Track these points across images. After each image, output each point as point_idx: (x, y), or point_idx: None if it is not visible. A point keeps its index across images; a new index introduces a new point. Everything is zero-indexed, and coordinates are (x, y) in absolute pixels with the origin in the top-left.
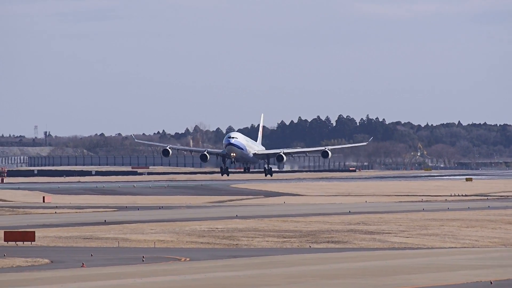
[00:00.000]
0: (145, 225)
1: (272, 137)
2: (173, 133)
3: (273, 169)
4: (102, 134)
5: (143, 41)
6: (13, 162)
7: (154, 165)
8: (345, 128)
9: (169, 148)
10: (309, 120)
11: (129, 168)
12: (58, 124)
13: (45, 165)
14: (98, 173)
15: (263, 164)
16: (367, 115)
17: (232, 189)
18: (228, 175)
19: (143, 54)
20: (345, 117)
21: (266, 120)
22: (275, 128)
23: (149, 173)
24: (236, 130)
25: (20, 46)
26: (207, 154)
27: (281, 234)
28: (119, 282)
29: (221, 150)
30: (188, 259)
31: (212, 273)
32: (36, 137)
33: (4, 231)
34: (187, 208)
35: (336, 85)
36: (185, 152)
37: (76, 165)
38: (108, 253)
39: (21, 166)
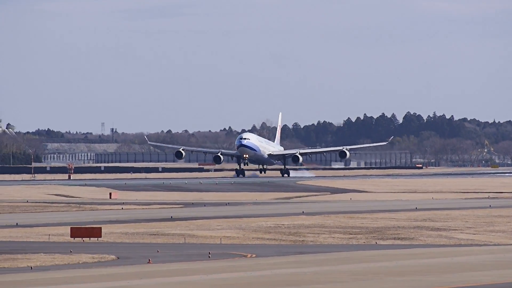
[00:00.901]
0: (212, 221)
1: (338, 134)
2: (239, 130)
3: (335, 166)
4: (169, 131)
5: (210, 38)
6: (80, 158)
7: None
8: (411, 125)
9: (182, 150)
10: (375, 117)
11: (195, 165)
12: (124, 121)
13: (111, 162)
14: (165, 170)
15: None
16: (434, 112)
17: (299, 185)
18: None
19: (210, 51)
20: (412, 114)
21: (333, 116)
22: (341, 125)
23: (215, 170)
24: (302, 127)
25: (87, 43)
26: (221, 156)
27: (347, 230)
28: (185, 278)
29: (235, 151)
30: (254, 255)
31: (278, 269)
32: (102, 133)
33: (71, 227)
34: (253, 205)
35: (403, 82)
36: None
37: (142, 161)
38: (175, 250)
39: (88, 162)
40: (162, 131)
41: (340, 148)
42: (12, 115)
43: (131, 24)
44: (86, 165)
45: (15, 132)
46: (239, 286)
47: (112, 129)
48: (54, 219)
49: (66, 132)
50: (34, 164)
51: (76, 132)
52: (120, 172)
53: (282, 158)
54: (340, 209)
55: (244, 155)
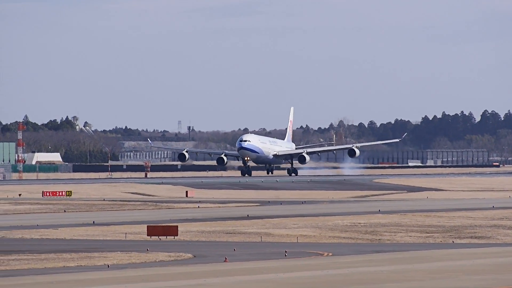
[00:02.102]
0: (288, 219)
1: (416, 132)
2: (316, 128)
3: (411, 164)
4: (245, 129)
5: (282, 37)
6: (156, 157)
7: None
8: (488, 123)
9: (186, 151)
10: (452, 115)
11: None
12: (201, 119)
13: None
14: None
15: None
16: (509, 110)
17: (375, 184)
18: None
19: (283, 50)
20: (489, 112)
21: (410, 115)
22: (419, 123)
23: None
24: (378, 125)
25: (164, 42)
26: (224, 157)
27: (423, 229)
28: (262, 277)
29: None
30: (330, 254)
31: (355, 268)
32: (179, 131)
33: (147, 226)
34: (329, 203)
35: (481, 80)
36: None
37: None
38: (251, 248)
39: (165, 160)
40: (239, 129)
41: (350, 146)
42: (89, 113)
43: (207, 23)
44: (163, 163)
45: (93, 131)
46: (315, 284)
47: (189, 127)
48: (130, 217)
49: (143, 130)
50: (110, 162)
51: (153, 130)
52: (196, 170)
53: (289, 157)
54: (416, 208)
55: (245, 158)
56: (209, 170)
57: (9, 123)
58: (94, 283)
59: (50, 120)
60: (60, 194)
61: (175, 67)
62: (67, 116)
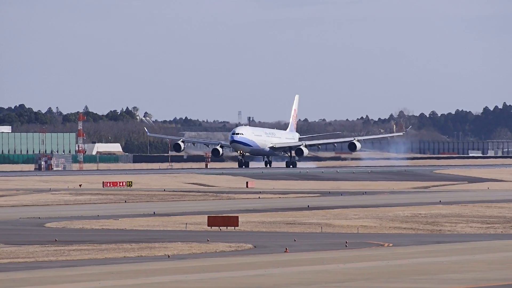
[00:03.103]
0: (348, 210)
1: (476, 123)
2: (376, 119)
3: (472, 154)
4: (305, 120)
5: (342, 28)
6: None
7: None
8: None
9: (182, 141)
10: None
11: (332, 154)
12: (261, 110)
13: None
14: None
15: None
16: None
17: (436, 174)
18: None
19: (342, 42)
20: None
21: (471, 105)
22: (480, 114)
23: (352, 159)
24: (439, 115)
25: (222, 32)
26: (220, 148)
27: (484, 220)
28: (322, 267)
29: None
30: (391, 244)
31: (415, 258)
32: (239, 122)
33: (208, 216)
34: (390, 194)
35: None
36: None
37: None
38: (311, 238)
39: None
40: (299, 119)
41: (350, 139)
42: (150, 104)
43: (267, 13)
44: (229, 154)
45: (153, 121)
46: (376, 275)
47: (249, 117)
48: (191, 208)
49: (204, 121)
50: (171, 153)
51: (213, 121)
52: (255, 161)
53: (288, 149)
54: (477, 198)
55: (239, 151)
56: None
57: (69, 114)
58: (155, 274)
59: (111, 111)
60: (121, 184)
61: (236, 58)
62: (127, 107)
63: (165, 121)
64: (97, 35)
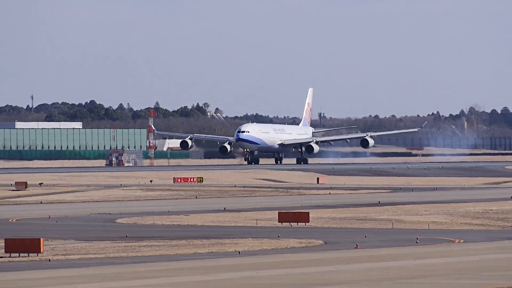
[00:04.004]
0: (419, 206)
1: None
2: (447, 115)
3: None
4: (376, 116)
5: (413, 22)
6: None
7: (428, 146)
8: None
9: (189, 139)
10: None
11: (403, 150)
12: (332, 106)
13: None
14: (373, 154)
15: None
16: None
17: (507, 170)
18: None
19: (414, 36)
20: None
21: None
22: None
23: (423, 155)
24: (511, 111)
25: (289, 29)
26: (228, 145)
27: None
28: (393, 263)
29: None
30: (462, 240)
31: (486, 255)
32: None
33: (279, 212)
34: (461, 190)
35: None
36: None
37: (350, 146)
38: (382, 235)
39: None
40: (370, 115)
41: (363, 135)
42: (220, 100)
43: (335, 8)
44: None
45: (224, 117)
46: (446, 271)
47: (320, 114)
48: (261, 203)
49: (274, 117)
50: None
51: (284, 116)
52: (326, 157)
53: (298, 146)
54: None
55: (245, 149)
56: (340, 157)
57: (140, 110)
58: (225, 270)
59: (181, 107)
60: (192, 180)
61: (305, 54)
62: (198, 103)
63: (236, 117)
64: (166, 32)
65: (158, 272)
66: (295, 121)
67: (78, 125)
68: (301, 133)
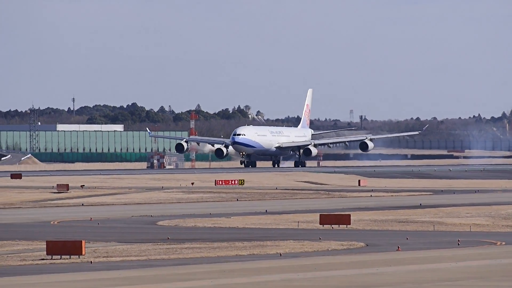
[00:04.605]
0: (461, 208)
1: None
2: (488, 117)
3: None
4: (417, 118)
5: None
6: (329, 145)
7: (469, 149)
8: None
9: (185, 141)
10: None
11: (444, 152)
12: (373, 108)
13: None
14: (414, 157)
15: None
16: None
17: None
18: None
19: (449, 38)
20: None
21: None
22: None
23: (464, 157)
24: None
25: (330, 32)
26: (224, 148)
27: None
28: (434, 266)
29: None
30: (504, 243)
31: None
32: (351, 121)
33: (320, 214)
34: (503, 192)
35: None
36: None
37: (391, 148)
38: (423, 237)
39: (337, 149)
40: (412, 118)
41: (362, 138)
42: (262, 102)
43: (377, 11)
44: (335, 152)
45: (265, 120)
46: (488, 273)
47: (361, 116)
48: (303, 206)
49: (315, 119)
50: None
51: (325, 119)
52: (368, 159)
53: (296, 149)
54: None
55: (241, 153)
56: (381, 159)
57: (181, 112)
58: (267, 272)
59: (222, 109)
60: (233, 182)
61: (347, 58)
62: (239, 105)
63: (277, 120)
64: (208, 35)
65: (199, 275)
66: (336, 124)
67: (119, 127)
68: (299, 135)
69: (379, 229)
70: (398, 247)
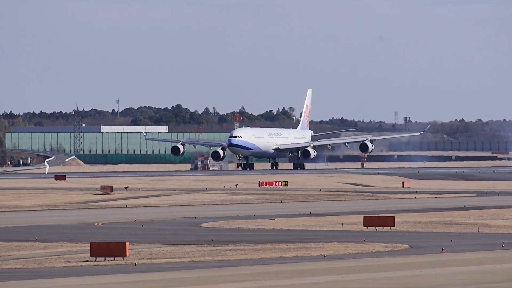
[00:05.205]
0: (505, 210)
1: None
2: None
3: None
4: (462, 120)
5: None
6: (329, 147)
7: None
8: None
9: (181, 144)
10: None
11: (489, 154)
12: (418, 110)
13: (405, 150)
14: (458, 159)
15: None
16: None
17: None
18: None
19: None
20: None
21: None
22: None
23: (509, 159)
24: None
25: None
26: (220, 151)
27: None
28: (478, 268)
29: None
30: None
31: None
32: (396, 122)
33: (364, 216)
34: None
35: None
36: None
37: (436, 150)
38: (467, 239)
39: (381, 151)
40: (456, 119)
41: (362, 139)
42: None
43: (417, 11)
44: (379, 154)
45: (309, 121)
46: None
47: (405, 118)
48: (347, 207)
49: (359, 121)
50: (327, 153)
51: (369, 121)
52: (412, 161)
53: (295, 150)
54: None
55: (238, 155)
56: (425, 161)
57: (225, 114)
58: (311, 274)
59: (266, 111)
60: (277, 184)
61: (392, 58)
62: (283, 107)
63: (321, 121)
64: (252, 36)
65: (243, 276)
66: (380, 125)
67: (163, 129)
68: (298, 137)
69: (423, 231)
70: (442, 249)
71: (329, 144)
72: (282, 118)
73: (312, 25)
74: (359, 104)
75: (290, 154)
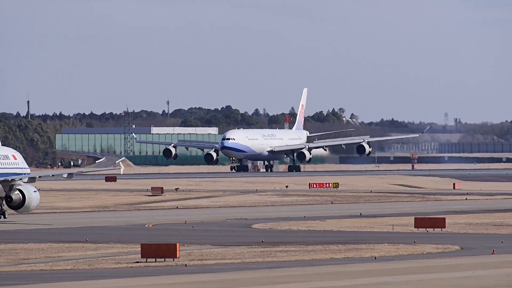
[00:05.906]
0: None
1: None
2: None
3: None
4: (506, 121)
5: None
6: (423, 148)
7: None
8: None
9: (173, 146)
10: None
11: None
12: (468, 111)
13: (454, 152)
14: (509, 160)
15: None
16: None
17: None
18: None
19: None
20: None
21: None
22: None
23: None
24: None
25: (391, 30)
26: (213, 153)
27: None
28: None
29: None
30: None
31: None
32: (446, 124)
33: (415, 218)
34: None
35: None
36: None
37: (486, 151)
38: None
39: (431, 153)
40: (506, 120)
41: (359, 141)
42: (356, 105)
43: (443, 13)
44: (430, 155)
45: (359, 123)
46: None
47: (456, 119)
48: (397, 209)
49: (409, 122)
50: (377, 154)
51: (420, 122)
52: (463, 163)
53: (290, 152)
54: None
55: (231, 158)
56: (476, 163)
57: (275, 115)
58: (361, 275)
59: (316, 112)
60: (327, 185)
61: (442, 58)
62: (333, 108)
63: (371, 123)
64: (301, 38)
65: (294, 277)
66: (431, 127)
67: (214, 130)
68: (293, 138)
69: (474, 232)
70: (493, 251)
71: (325, 146)
72: (332, 120)
73: (370, 23)
74: (408, 105)
75: (285, 156)
